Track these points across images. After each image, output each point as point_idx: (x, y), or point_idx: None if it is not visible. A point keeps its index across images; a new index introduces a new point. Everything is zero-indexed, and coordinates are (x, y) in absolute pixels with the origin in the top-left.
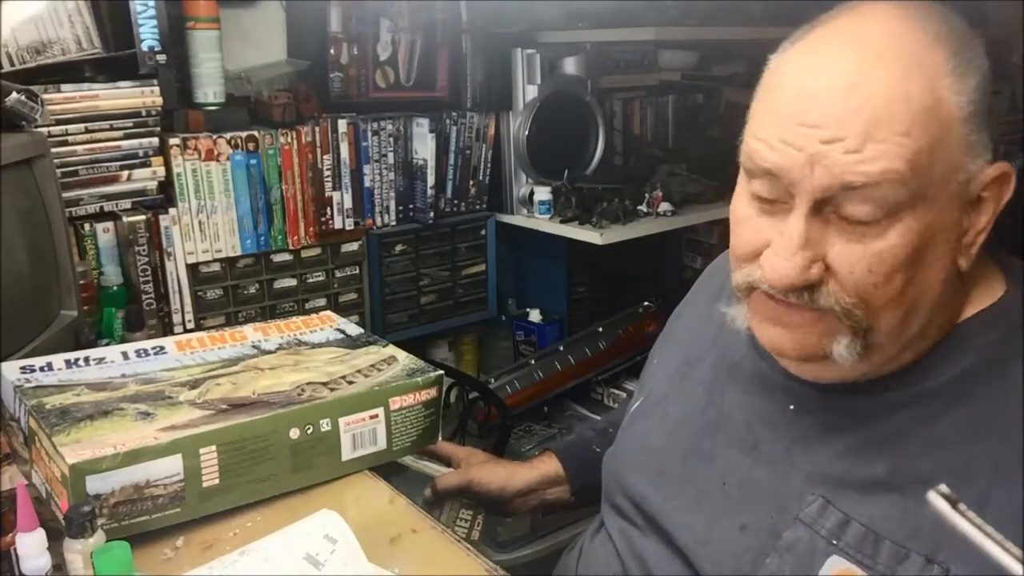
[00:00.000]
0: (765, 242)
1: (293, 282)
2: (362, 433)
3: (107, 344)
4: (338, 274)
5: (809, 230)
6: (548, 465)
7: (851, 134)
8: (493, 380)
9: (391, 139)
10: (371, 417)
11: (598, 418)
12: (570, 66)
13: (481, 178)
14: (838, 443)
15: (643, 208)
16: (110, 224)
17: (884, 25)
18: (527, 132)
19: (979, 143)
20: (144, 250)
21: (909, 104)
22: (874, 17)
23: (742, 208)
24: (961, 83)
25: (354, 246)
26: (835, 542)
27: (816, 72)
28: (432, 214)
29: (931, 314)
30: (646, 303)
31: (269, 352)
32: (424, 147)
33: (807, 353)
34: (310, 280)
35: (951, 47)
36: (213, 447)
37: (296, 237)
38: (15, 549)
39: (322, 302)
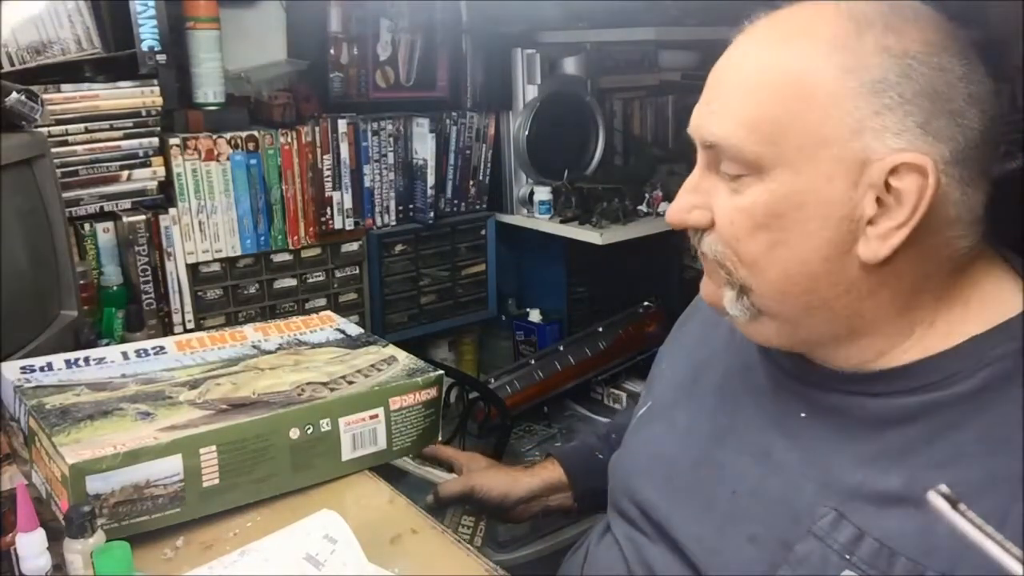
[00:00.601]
0: None
1: (293, 282)
2: (362, 433)
3: (107, 344)
4: (338, 274)
5: (700, 181)
6: (551, 471)
7: (715, 97)
8: (493, 380)
9: (391, 139)
10: (371, 417)
11: (598, 418)
12: (570, 66)
13: (481, 178)
14: (852, 453)
15: (643, 208)
16: (110, 224)
17: (801, 7)
18: (527, 132)
19: (879, 124)
20: (144, 250)
21: (767, 71)
22: (780, 15)
23: None
24: (848, 59)
25: (354, 246)
26: (848, 557)
27: (728, 50)
28: (432, 214)
29: (848, 297)
30: (646, 303)
31: (269, 352)
32: (424, 147)
33: (710, 299)
34: (310, 280)
35: (857, 26)
36: (213, 447)
37: (296, 237)
38: (15, 549)
39: (322, 302)
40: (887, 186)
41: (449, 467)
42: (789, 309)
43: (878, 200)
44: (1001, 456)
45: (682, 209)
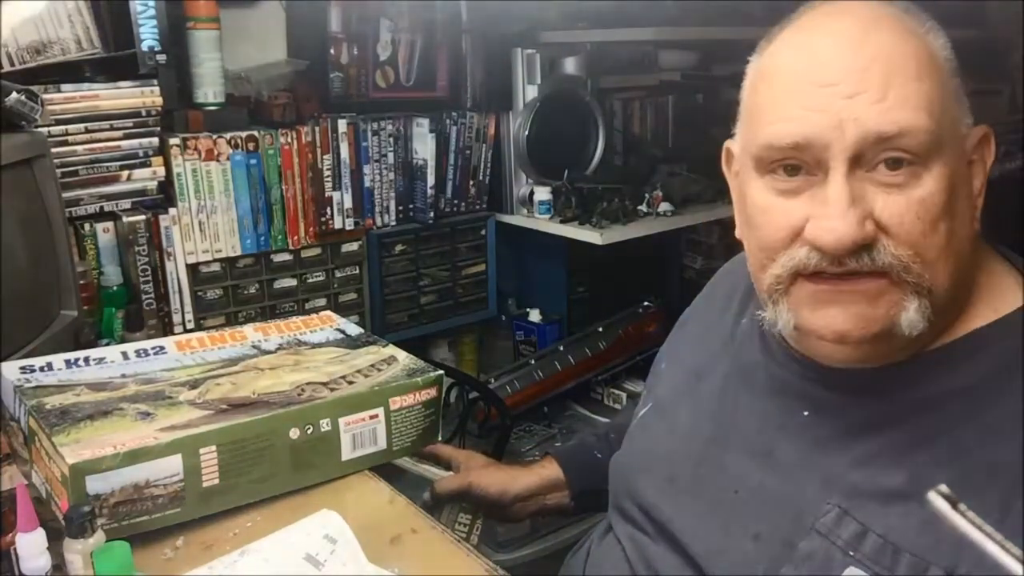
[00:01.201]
0: (801, 221)
1: (293, 282)
2: (362, 433)
3: (107, 344)
4: (338, 274)
5: (853, 189)
6: (549, 470)
7: (872, 85)
8: (493, 380)
9: (391, 139)
10: (371, 417)
11: (598, 418)
12: (570, 66)
13: (481, 178)
14: (855, 450)
15: (643, 208)
16: (110, 224)
17: (858, 5)
18: (527, 132)
19: (965, 101)
20: (144, 250)
21: (914, 53)
22: (844, 4)
23: (762, 199)
24: (940, 40)
25: (354, 246)
26: (852, 553)
27: (818, 42)
28: (432, 214)
29: (963, 280)
30: (646, 303)
31: (269, 352)
32: (424, 147)
33: (874, 329)
34: (310, 280)
35: (916, 16)
36: (213, 447)
37: (296, 237)
38: (15, 549)
39: (322, 302)
40: (969, 160)
41: (447, 465)
42: (948, 304)
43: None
44: (1002, 451)
45: (854, 224)
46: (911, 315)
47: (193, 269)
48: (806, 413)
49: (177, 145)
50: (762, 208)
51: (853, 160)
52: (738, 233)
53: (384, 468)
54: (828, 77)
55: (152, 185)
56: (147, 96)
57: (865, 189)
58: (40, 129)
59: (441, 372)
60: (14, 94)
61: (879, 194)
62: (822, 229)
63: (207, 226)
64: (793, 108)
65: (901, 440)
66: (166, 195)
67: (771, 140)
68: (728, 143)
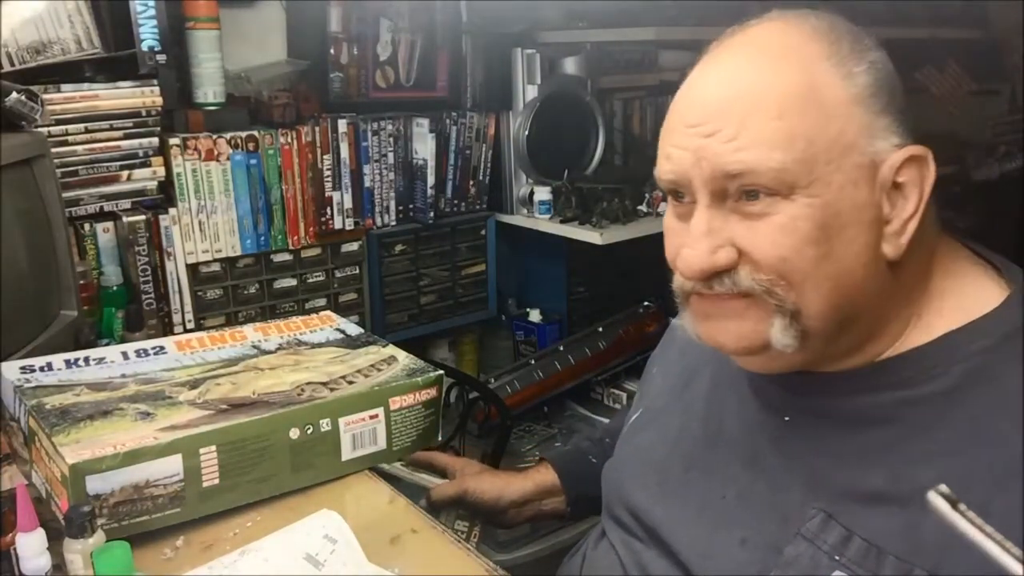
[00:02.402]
0: (682, 245)
1: (293, 282)
2: (362, 433)
3: (107, 344)
4: (338, 274)
5: (711, 220)
6: (544, 476)
7: (727, 124)
8: (493, 380)
9: (391, 139)
10: (371, 417)
11: (598, 418)
12: (570, 66)
13: (481, 178)
14: (835, 454)
15: (643, 208)
16: (110, 224)
17: (761, 29)
18: (527, 132)
19: (881, 126)
20: (144, 250)
21: (781, 90)
22: (756, 25)
23: (668, 220)
24: (841, 69)
25: (354, 246)
26: (837, 557)
27: (700, 79)
28: (432, 214)
29: (874, 300)
30: (646, 303)
31: (269, 352)
32: (424, 147)
33: (746, 343)
34: (310, 280)
35: (829, 39)
36: (213, 447)
37: (296, 237)
38: (15, 549)
39: (322, 302)
40: (894, 183)
41: (442, 473)
42: (832, 325)
43: (887, 198)
44: (980, 450)
45: (705, 253)
46: (776, 333)
47: (193, 269)
48: (787, 418)
49: (177, 145)
50: (667, 228)
51: (714, 194)
52: None
53: (379, 475)
54: (695, 118)
55: (152, 185)
56: (147, 96)
57: (728, 219)
58: (40, 129)
59: (441, 372)
60: (14, 94)
61: (740, 224)
62: (682, 258)
63: (207, 226)
64: (668, 147)
65: (879, 442)
66: (166, 195)
67: (658, 174)
68: None
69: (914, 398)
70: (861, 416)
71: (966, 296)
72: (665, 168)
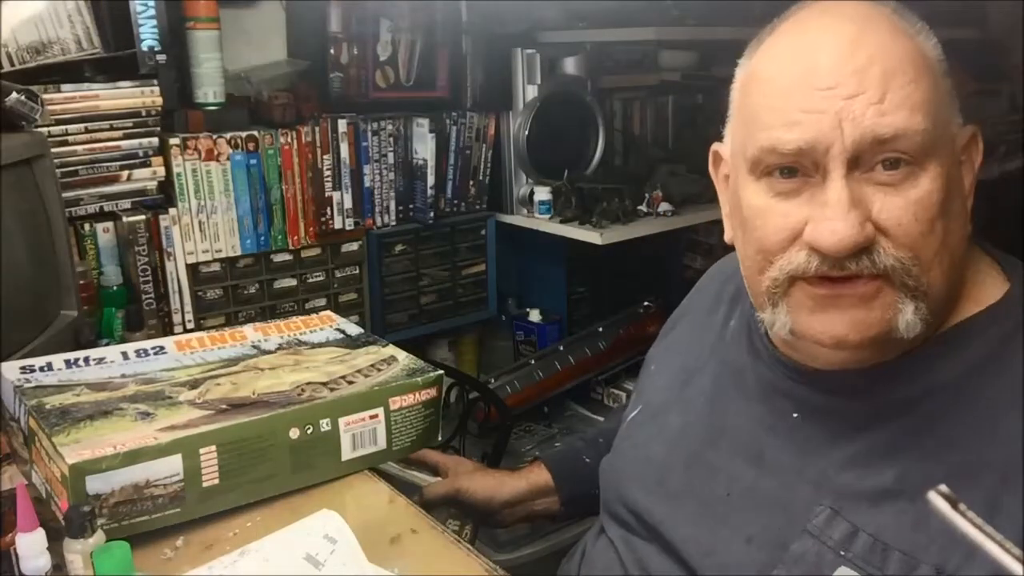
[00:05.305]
0: (799, 223)
1: (293, 282)
2: (362, 433)
3: (107, 344)
4: (338, 274)
5: (851, 190)
6: (537, 475)
7: (871, 86)
8: (493, 380)
9: (391, 139)
10: (371, 417)
11: (598, 418)
12: (570, 66)
13: (481, 178)
14: (844, 450)
15: (643, 208)
16: (110, 224)
17: (849, 6)
18: (527, 132)
19: (956, 102)
20: (144, 250)
21: (908, 54)
22: (834, 4)
23: (759, 201)
24: (931, 41)
25: (354, 246)
26: (843, 553)
27: (813, 44)
28: (432, 214)
29: (956, 279)
30: (646, 303)
31: (269, 352)
32: (424, 147)
33: (871, 333)
34: (310, 280)
35: (900, 13)
36: (213, 447)
37: (296, 237)
38: (15, 549)
39: (322, 302)
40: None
41: (434, 471)
42: (942, 306)
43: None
44: (987, 446)
45: (856, 225)
46: (908, 317)
47: (193, 269)
48: (795, 415)
49: (177, 145)
50: (759, 211)
51: (851, 162)
52: (728, 237)
53: (379, 475)
54: (826, 79)
55: (152, 185)
56: (147, 96)
57: (863, 191)
58: (40, 129)
59: (441, 372)
60: (14, 94)
61: (877, 195)
62: (823, 231)
63: (207, 226)
64: (793, 112)
65: (888, 438)
66: (166, 195)
67: (774, 145)
68: (716, 147)
69: (923, 394)
70: (870, 413)
71: (979, 289)
72: (789, 137)
